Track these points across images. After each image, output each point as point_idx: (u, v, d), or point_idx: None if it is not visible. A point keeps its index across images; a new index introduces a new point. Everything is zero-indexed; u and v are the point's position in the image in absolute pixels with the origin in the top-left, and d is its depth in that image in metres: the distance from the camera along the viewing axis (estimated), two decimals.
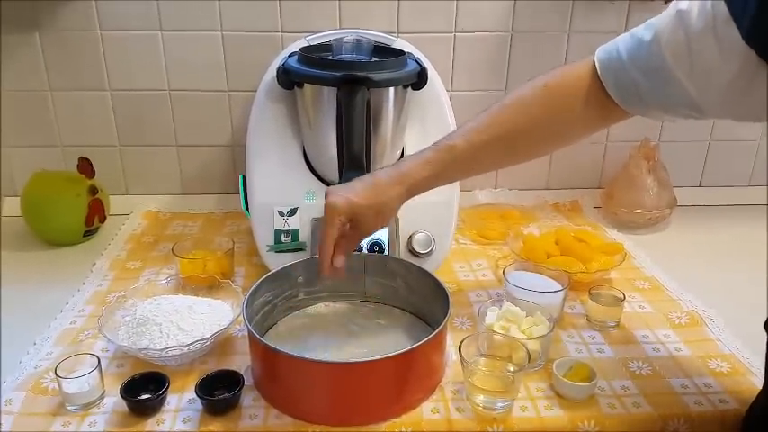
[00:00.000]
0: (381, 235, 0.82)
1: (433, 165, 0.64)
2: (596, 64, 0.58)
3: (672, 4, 0.52)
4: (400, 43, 0.87)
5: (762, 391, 0.56)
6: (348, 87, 0.73)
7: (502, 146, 0.63)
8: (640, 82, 0.55)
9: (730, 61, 0.47)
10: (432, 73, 0.82)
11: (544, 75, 0.63)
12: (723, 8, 0.47)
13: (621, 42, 0.57)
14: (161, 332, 0.64)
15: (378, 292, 0.77)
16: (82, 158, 0.97)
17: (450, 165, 0.64)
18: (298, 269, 0.74)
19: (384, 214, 0.65)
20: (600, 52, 0.59)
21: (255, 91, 0.87)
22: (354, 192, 0.64)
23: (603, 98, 0.59)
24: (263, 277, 0.70)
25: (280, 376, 0.60)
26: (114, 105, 1.04)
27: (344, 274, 0.68)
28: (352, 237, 0.67)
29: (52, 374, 0.61)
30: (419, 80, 0.79)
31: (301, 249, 0.83)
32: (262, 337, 0.62)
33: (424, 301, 0.73)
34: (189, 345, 0.63)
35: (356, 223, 0.65)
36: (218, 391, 0.60)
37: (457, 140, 0.63)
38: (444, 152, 0.64)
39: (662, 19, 0.53)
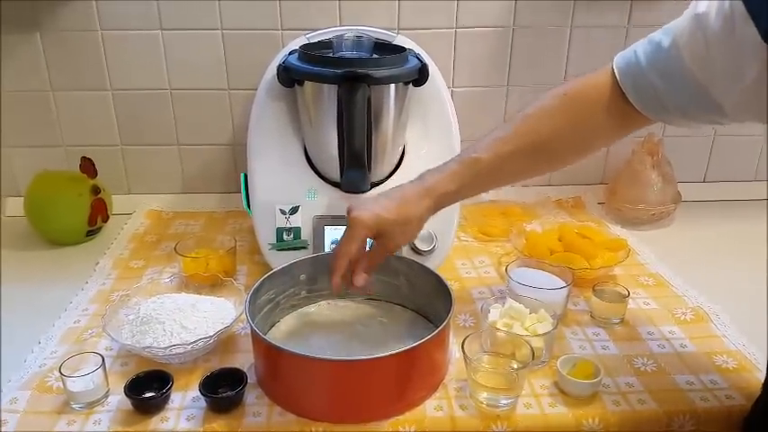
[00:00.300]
0: None
1: (459, 178, 0.63)
2: (615, 70, 0.58)
3: (690, 7, 0.51)
4: (401, 40, 0.87)
5: (763, 388, 0.55)
6: (349, 84, 0.72)
7: (526, 156, 0.63)
8: (660, 87, 0.55)
9: (750, 61, 0.46)
10: (432, 69, 0.82)
11: (564, 83, 0.63)
12: (741, 7, 0.46)
13: (640, 48, 0.56)
14: (164, 330, 0.64)
15: (380, 290, 0.77)
16: (84, 158, 0.97)
17: (476, 177, 0.63)
18: (300, 267, 0.74)
19: (411, 229, 0.65)
20: (618, 59, 0.58)
21: (256, 89, 0.87)
22: (381, 206, 0.63)
23: (624, 105, 0.58)
24: (266, 275, 0.70)
25: (283, 374, 0.60)
26: (116, 105, 1.04)
27: (372, 290, 0.68)
28: (377, 253, 0.66)
29: (57, 373, 0.62)
30: (420, 77, 0.79)
31: (303, 247, 0.83)
32: (264, 335, 0.62)
33: (427, 299, 0.73)
34: (192, 343, 0.63)
35: (383, 239, 0.64)
36: (222, 389, 0.60)
37: (481, 153, 0.63)
38: (469, 165, 0.63)
39: (680, 22, 0.53)
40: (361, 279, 0.65)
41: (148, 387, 0.59)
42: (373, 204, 0.64)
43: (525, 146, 0.62)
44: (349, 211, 0.64)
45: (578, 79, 0.62)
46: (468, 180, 0.63)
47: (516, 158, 0.62)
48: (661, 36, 0.55)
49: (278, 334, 0.71)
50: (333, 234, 0.83)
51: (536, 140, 0.62)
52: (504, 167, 0.63)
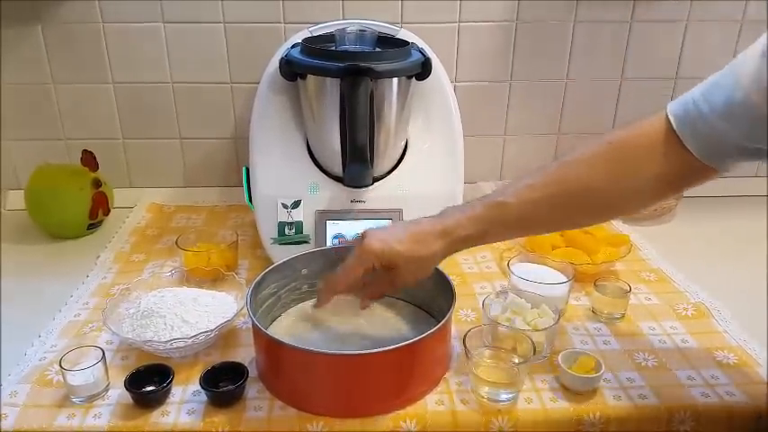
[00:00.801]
0: None
1: (481, 222, 0.59)
2: (670, 118, 0.54)
3: (754, 47, 0.50)
4: (404, 33, 0.87)
5: None
6: (351, 78, 0.72)
7: (557, 206, 0.58)
8: (725, 130, 0.51)
9: None
10: (435, 63, 0.81)
11: (608, 133, 0.58)
12: None
13: (698, 92, 0.53)
14: (165, 324, 0.64)
15: None
16: (85, 151, 0.97)
17: (500, 223, 0.60)
18: (301, 262, 0.74)
19: (422, 268, 0.62)
20: (673, 106, 0.55)
21: (258, 83, 0.86)
22: (395, 238, 0.60)
23: (677, 155, 0.54)
24: (267, 269, 0.70)
25: (284, 368, 0.60)
26: (117, 98, 1.04)
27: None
28: (384, 283, 0.64)
29: (57, 367, 0.62)
30: (423, 70, 0.79)
31: (305, 242, 0.83)
32: (266, 329, 0.62)
33: (428, 294, 0.72)
34: (193, 337, 0.63)
35: (393, 272, 0.62)
36: (223, 383, 0.60)
37: (508, 197, 0.59)
38: (494, 208, 0.59)
39: (743, 62, 0.51)
40: (366, 305, 0.66)
41: (149, 381, 0.59)
42: (388, 234, 0.61)
43: (557, 193, 0.58)
44: (363, 236, 0.62)
45: (623, 128, 0.58)
46: (489, 225, 0.59)
47: (546, 206, 0.58)
48: (723, 77, 0.52)
49: (279, 328, 0.71)
50: (334, 229, 0.82)
51: (570, 189, 0.58)
52: (532, 215, 0.59)
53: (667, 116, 0.55)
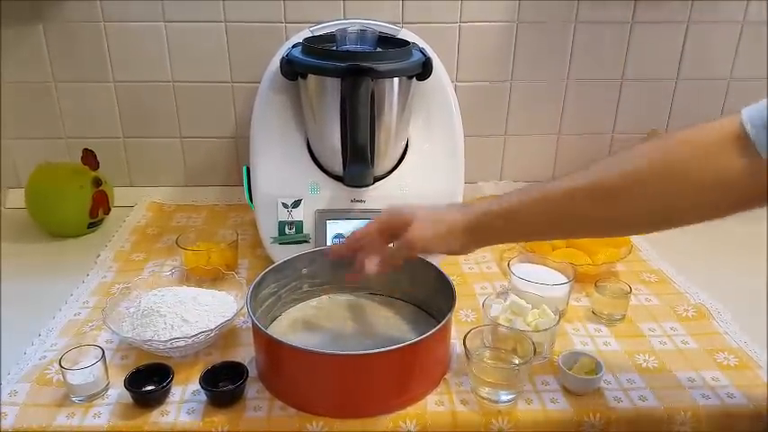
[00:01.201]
0: None
1: (506, 199, 0.56)
2: (745, 125, 0.47)
3: None
4: (404, 33, 0.86)
5: None
6: (352, 78, 0.72)
7: (591, 198, 0.51)
8: None
9: None
10: (436, 63, 0.81)
11: (663, 134, 0.54)
12: None
13: None
14: (165, 324, 0.63)
15: (381, 285, 0.77)
16: (86, 150, 0.96)
17: (530, 205, 0.55)
18: (302, 261, 0.74)
19: (440, 230, 0.58)
20: (748, 112, 0.48)
21: (258, 82, 0.86)
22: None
23: (749, 163, 0.47)
24: (268, 269, 0.70)
25: (284, 368, 0.60)
26: (118, 97, 1.04)
27: (362, 279, 0.63)
28: (399, 249, 0.61)
29: (57, 366, 0.62)
30: (424, 70, 0.78)
31: (305, 241, 0.82)
32: (266, 328, 0.62)
33: (428, 294, 0.72)
34: (193, 336, 0.63)
35: (407, 232, 0.59)
36: (223, 383, 0.60)
37: (540, 184, 0.55)
38: (521, 190, 0.56)
39: None
40: (372, 266, 0.60)
41: (149, 380, 0.59)
42: (429, 229, 0.59)
43: (595, 184, 0.51)
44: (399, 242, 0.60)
45: (678, 132, 0.51)
46: (516, 204, 0.54)
47: (578, 198, 0.51)
48: None
49: (279, 328, 0.71)
50: (335, 228, 0.82)
51: (607, 182, 0.51)
52: (562, 206, 0.53)
53: (741, 122, 0.48)
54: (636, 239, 0.93)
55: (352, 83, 0.72)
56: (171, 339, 0.62)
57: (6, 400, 0.59)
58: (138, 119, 1.05)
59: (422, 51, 0.81)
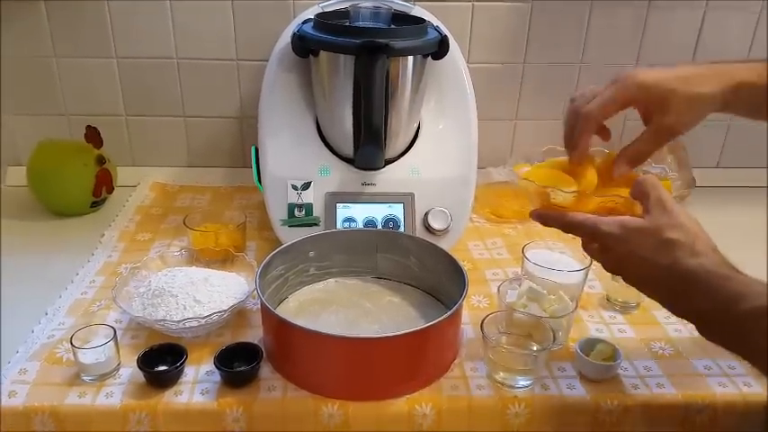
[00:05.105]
0: (397, 211, 0.81)
1: (757, 71, 0.50)
2: None
3: None
4: (417, 11, 0.84)
5: None
6: (367, 55, 0.70)
7: None
8: None
9: None
10: (451, 42, 0.79)
11: None
12: None
13: None
14: (177, 304, 0.62)
15: (389, 269, 0.76)
16: (89, 127, 0.94)
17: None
18: (310, 243, 0.73)
19: (697, 112, 0.51)
20: None
21: (264, 60, 0.84)
22: (666, 71, 0.51)
23: None
24: (276, 250, 0.69)
25: (294, 350, 0.59)
26: (120, 73, 1.01)
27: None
28: (651, 134, 0.53)
29: (66, 345, 0.61)
30: (440, 49, 0.76)
31: (315, 224, 0.81)
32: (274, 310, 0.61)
33: (437, 279, 0.71)
34: (207, 317, 0.62)
35: (659, 115, 0.51)
36: (237, 364, 0.59)
37: None
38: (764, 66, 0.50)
39: None
40: (623, 169, 0.53)
41: (162, 360, 0.58)
42: (651, 69, 0.52)
43: None
44: (616, 78, 0.53)
45: None
46: (764, 76, 0.49)
47: None
48: None
49: (286, 310, 0.70)
50: (345, 212, 0.81)
51: None
52: None
53: None
54: None
55: (366, 60, 0.70)
56: (184, 320, 0.61)
57: (17, 379, 0.58)
58: (141, 96, 1.03)
59: (437, 29, 0.79)
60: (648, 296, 0.51)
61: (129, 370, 0.59)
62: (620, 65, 1.05)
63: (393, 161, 0.83)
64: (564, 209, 0.53)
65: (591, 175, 0.57)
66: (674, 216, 0.48)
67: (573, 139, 0.55)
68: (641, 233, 0.48)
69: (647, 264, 0.48)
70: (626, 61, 1.04)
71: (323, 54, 0.76)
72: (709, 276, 0.46)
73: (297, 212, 0.81)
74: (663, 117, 0.52)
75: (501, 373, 0.59)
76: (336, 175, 0.82)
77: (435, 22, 0.83)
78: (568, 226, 0.52)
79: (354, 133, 0.78)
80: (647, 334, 0.68)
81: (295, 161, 0.82)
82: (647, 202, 0.49)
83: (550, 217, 0.54)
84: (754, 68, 0.50)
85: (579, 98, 0.55)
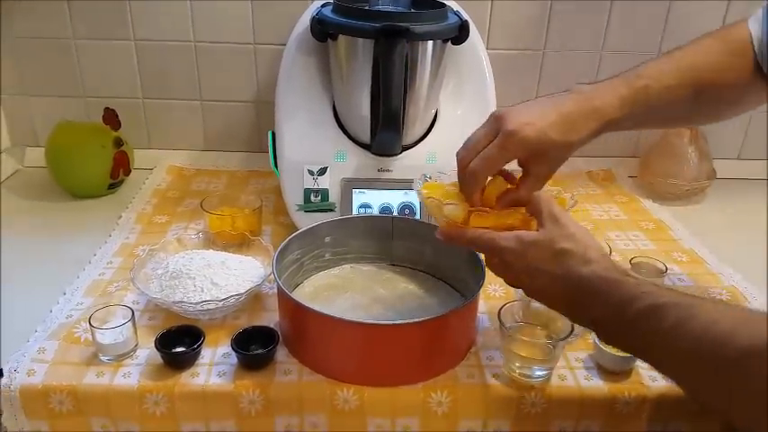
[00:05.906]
0: (413, 198, 0.80)
1: (629, 105, 0.53)
2: (751, 38, 0.50)
3: None
4: None
5: None
6: (387, 39, 0.69)
7: (688, 97, 0.55)
8: None
9: None
10: (471, 27, 0.78)
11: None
12: None
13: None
14: (195, 286, 0.63)
15: (405, 256, 0.76)
16: (108, 109, 0.94)
17: (645, 108, 0.54)
18: (326, 229, 0.73)
19: (565, 158, 0.54)
20: (753, 23, 0.51)
21: (282, 45, 0.83)
22: (548, 121, 0.52)
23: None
24: (293, 235, 0.69)
25: (310, 334, 0.59)
26: (138, 56, 1.01)
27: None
28: (529, 182, 0.55)
29: (84, 324, 0.61)
30: (460, 34, 0.75)
31: (331, 209, 0.81)
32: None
33: (453, 267, 0.71)
34: (224, 299, 0.62)
35: (535, 165, 0.54)
36: (253, 347, 0.59)
37: (648, 80, 0.54)
38: (639, 91, 0.54)
39: None
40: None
41: (179, 342, 0.59)
42: (536, 116, 0.52)
43: (689, 82, 0.54)
44: (501, 118, 0.52)
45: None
46: (636, 110, 0.53)
47: (680, 95, 0.54)
48: None
49: (302, 295, 0.70)
50: (361, 198, 0.81)
51: (697, 78, 0.54)
52: (670, 104, 0.55)
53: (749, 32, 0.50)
54: (666, 218, 0.91)
55: (386, 45, 0.69)
56: (202, 302, 0.61)
57: (36, 357, 0.59)
58: (158, 79, 1.03)
59: (457, 14, 0.78)
60: (550, 308, 0.52)
61: (147, 351, 0.59)
62: (642, 53, 1.03)
63: (410, 147, 0.82)
64: (466, 227, 0.54)
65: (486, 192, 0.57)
66: (565, 228, 0.49)
67: (465, 190, 0.56)
68: (536, 246, 0.49)
69: (545, 275, 0.49)
70: (647, 50, 1.02)
71: (341, 38, 0.75)
72: (601, 282, 0.46)
73: (313, 198, 0.81)
74: (540, 166, 0.54)
75: (517, 363, 0.59)
76: (353, 160, 0.81)
77: (455, 6, 0.81)
78: (469, 242, 0.53)
79: (372, 119, 0.77)
80: None
81: (312, 146, 0.81)
82: (540, 217, 0.50)
83: (452, 234, 0.54)
84: (626, 100, 0.53)
85: (463, 152, 0.55)
